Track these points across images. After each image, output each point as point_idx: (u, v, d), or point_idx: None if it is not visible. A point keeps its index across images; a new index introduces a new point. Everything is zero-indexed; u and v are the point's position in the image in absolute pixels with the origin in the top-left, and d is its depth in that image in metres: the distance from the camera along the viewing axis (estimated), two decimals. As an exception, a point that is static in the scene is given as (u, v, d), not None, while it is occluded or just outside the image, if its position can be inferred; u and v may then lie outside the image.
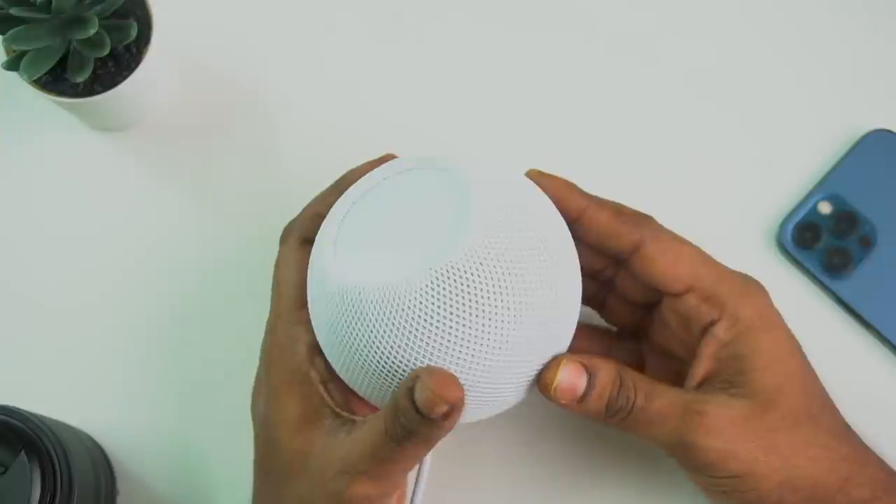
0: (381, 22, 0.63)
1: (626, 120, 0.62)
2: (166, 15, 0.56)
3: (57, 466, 0.49)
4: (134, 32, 0.55)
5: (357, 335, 0.46)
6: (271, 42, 0.63)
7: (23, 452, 0.49)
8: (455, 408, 0.44)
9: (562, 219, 0.49)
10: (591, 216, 0.51)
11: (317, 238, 0.49)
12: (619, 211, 0.51)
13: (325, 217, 0.50)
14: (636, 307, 0.54)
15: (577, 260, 0.49)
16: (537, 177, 0.51)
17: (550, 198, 0.50)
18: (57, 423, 0.54)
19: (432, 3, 0.63)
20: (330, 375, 0.50)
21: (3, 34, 0.53)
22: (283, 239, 0.54)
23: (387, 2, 0.63)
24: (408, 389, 0.44)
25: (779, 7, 0.63)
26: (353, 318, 0.46)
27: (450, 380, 0.45)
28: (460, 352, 0.45)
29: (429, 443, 0.46)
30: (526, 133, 0.62)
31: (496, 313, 0.45)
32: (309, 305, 0.49)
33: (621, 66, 0.62)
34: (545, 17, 0.63)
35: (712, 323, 0.50)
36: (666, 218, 0.53)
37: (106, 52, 0.54)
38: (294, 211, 0.55)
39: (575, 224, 0.51)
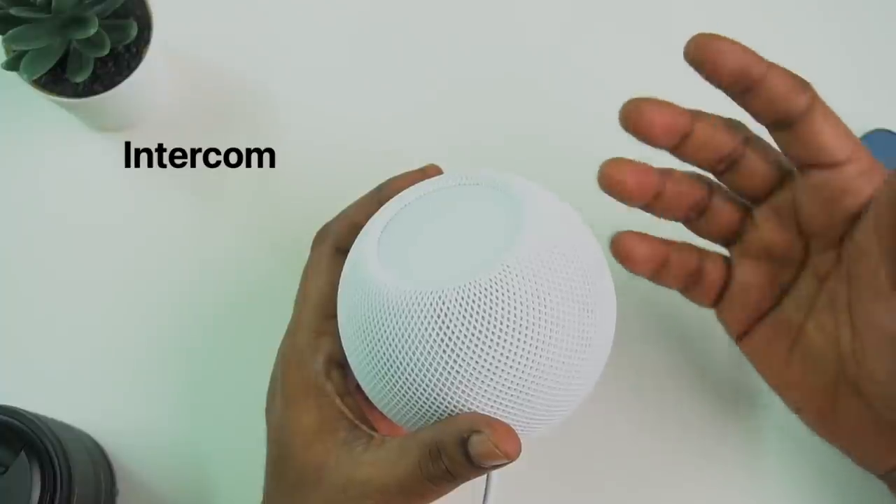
0: (386, 21, 0.63)
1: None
2: (166, 15, 0.57)
3: (57, 466, 0.49)
4: (134, 32, 0.55)
5: (389, 340, 0.45)
6: (272, 42, 0.63)
7: (23, 452, 0.49)
8: (511, 460, 0.44)
9: (601, 251, 0.48)
10: (774, 76, 0.49)
11: (358, 238, 0.48)
12: (793, 75, 0.50)
13: (361, 227, 0.49)
14: (738, 207, 0.53)
15: (614, 294, 0.48)
16: (712, 40, 0.49)
17: (733, 62, 0.48)
18: (57, 423, 0.54)
19: (437, 3, 0.63)
20: (346, 390, 0.50)
21: (3, 34, 0.53)
22: (317, 243, 0.53)
23: (393, 2, 0.63)
24: (461, 439, 0.44)
25: (777, 7, 0.63)
26: (387, 320, 0.45)
27: (511, 432, 0.44)
28: (490, 369, 0.44)
29: (464, 481, 0.45)
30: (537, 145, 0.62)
31: (533, 332, 0.44)
32: (339, 308, 0.48)
33: (620, 72, 0.62)
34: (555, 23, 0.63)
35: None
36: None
37: (106, 52, 0.54)
38: (294, 212, 0.55)
39: (756, 85, 0.49)
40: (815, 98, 0.49)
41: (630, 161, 0.52)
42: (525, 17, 0.63)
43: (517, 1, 0.63)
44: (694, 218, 0.54)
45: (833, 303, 0.51)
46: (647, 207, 0.53)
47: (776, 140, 0.51)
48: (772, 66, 0.49)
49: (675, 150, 0.52)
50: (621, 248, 0.54)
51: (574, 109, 0.62)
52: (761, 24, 0.63)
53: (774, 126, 0.50)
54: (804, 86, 0.49)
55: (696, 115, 0.52)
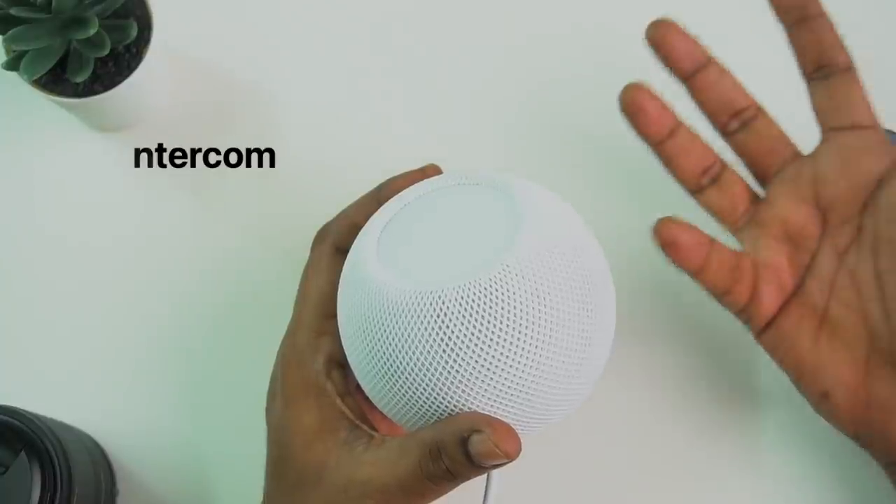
0: (386, 21, 0.63)
1: (625, 123, 0.61)
2: (166, 15, 0.57)
3: (57, 466, 0.49)
4: (134, 32, 0.55)
5: (389, 340, 0.45)
6: (272, 42, 0.63)
7: (23, 452, 0.49)
8: (511, 460, 0.44)
9: (601, 251, 0.48)
10: (827, 22, 0.52)
11: (358, 238, 0.48)
12: (839, 35, 0.53)
13: (361, 227, 0.49)
14: (748, 189, 0.54)
15: (614, 294, 0.48)
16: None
17: None
18: (57, 423, 0.54)
19: (437, 3, 0.63)
20: (347, 390, 0.50)
21: (3, 34, 0.53)
22: (317, 243, 0.53)
23: (393, 2, 0.63)
24: (461, 438, 0.44)
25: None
26: (387, 320, 0.45)
27: (511, 432, 0.44)
28: (490, 369, 0.44)
29: (465, 480, 0.45)
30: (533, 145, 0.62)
31: (533, 331, 0.44)
32: (339, 308, 0.48)
33: (618, 72, 0.62)
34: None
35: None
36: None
37: (106, 52, 0.54)
38: (294, 212, 0.55)
39: (810, 18, 0.52)
40: (851, 64, 0.52)
41: (651, 90, 0.53)
42: (524, 16, 0.63)
43: (516, 1, 0.63)
44: (706, 185, 0.54)
45: (855, 277, 0.52)
46: (660, 148, 0.54)
47: (812, 92, 0.53)
48: (826, 15, 0.52)
49: (691, 82, 0.53)
50: (665, 234, 0.52)
51: (575, 110, 0.62)
52: (761, 25, 0.63)
53: (816, 71, 0.52)
54: (845, 48, 0.52)
55: (713, 58, 0.53)
